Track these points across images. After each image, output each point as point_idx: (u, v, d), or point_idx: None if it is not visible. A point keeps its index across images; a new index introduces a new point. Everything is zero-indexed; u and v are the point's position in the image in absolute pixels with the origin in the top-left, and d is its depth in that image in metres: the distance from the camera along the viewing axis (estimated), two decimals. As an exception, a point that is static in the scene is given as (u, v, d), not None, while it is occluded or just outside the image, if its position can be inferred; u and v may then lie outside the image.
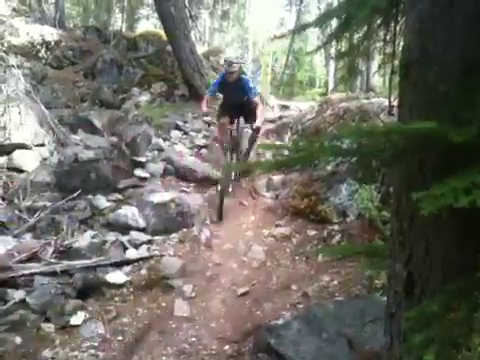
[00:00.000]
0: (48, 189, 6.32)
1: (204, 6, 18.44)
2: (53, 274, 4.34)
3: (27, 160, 6.82)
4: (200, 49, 13.09)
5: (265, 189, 6.64)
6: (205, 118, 7.33)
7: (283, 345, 3.16)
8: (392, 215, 1.90)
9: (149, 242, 5.25)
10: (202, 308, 4.18)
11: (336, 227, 5.05)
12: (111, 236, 5.23)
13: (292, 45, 21.07)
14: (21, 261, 4.50)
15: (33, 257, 4.61)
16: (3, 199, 5.99)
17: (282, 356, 3.10)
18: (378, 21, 2.38)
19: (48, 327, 3.77)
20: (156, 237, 5.39)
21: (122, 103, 10.92)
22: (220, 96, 6.65)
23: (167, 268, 4.67)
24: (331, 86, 18.95)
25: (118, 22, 18.90)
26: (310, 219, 5.39)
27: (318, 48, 3.28)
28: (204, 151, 8.16)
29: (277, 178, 6.63)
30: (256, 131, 6.13)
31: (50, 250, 4.73)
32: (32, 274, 4.29)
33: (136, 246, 5.13)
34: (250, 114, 6.03)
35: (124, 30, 16.65)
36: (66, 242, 4.91)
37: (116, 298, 4.29)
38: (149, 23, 20.75)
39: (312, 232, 5.19)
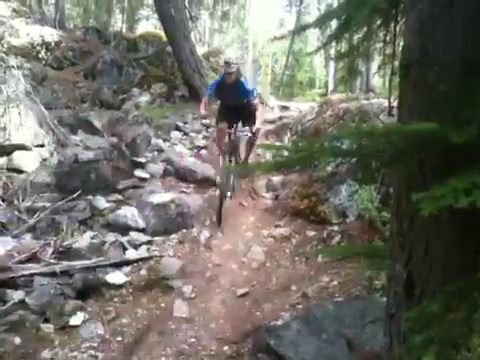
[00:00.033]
0: (48, 190, 6.32)
1: (204, 7, 18.46)
2: (53, 275, 4.34)
3: (27, 161, 6.82)
4: (200, 50, 13.11)
5: (265, 190, 6.64)
6: (203, 121, 7.23)
7: (283, 346, 3.15)
8: (392, 216, 1.90)
9: (149, 243, 5.25)
10: (201, 309, 4.18)
11: (336, 228, 5.05)
12: (111, 237, 5.23)
13: (292, 46, 21.09)
14: (21, 262, 4.50)
15: (33, 258, 4.60)
16: (3, 200, 5.99)
17: (282, 357, 3.10)
18: (378, 22, 2.38)
19: (47, 327, 3.77)
20: (156, 238, 5.39)
21: (122, 104, 10.92)
22: (217, 102, 6.56)
23: (167, 269, 4.67)
24: (331, 87, 18.96)
25: (118, 23, 18.91)
26: (310, 220, 5.39)
27: (318, 49, 3.28)
28: (204, 152, 8.16)
29: (277, 179, 6.63)
30: (255, 134, 6.00)
31: (50, 251, 4.73)
32: (32, 275, 4.29)
33: (136, 247, 5.13)
34: (249, 117, 5.93)
35: (124, 31, 16.66)
36: (66, 243, 4.91)
37: (115, 299, 4.29)
38: (149, 24, 20.77)
39: (312, 233, 5.19)
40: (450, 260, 1.60)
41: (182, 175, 7.01)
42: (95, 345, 3.66)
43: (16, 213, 5.69)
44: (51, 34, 12.58)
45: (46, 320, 3.87)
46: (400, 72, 1.78)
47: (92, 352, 3.57)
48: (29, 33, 11.95)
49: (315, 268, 4.50)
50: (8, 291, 4.06)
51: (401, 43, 1.96)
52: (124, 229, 5.41)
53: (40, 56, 11.79)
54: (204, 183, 6.80)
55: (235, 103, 6.00)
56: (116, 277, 4.49)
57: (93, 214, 5.76)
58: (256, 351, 3.34)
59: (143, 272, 4.68)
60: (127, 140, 7.37)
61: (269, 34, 22.58)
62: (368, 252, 2.74)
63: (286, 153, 2.07)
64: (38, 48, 11.89)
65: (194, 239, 5.39)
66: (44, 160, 7.07)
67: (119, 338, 3.78)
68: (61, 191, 6.18)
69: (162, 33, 12.78)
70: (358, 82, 14.56)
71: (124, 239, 5.18)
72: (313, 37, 21.57)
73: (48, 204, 5.85)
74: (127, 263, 4.81)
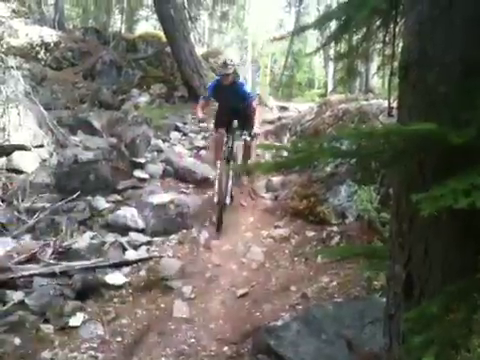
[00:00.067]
0: (47, 190, 6.32)
1: (203, 7, 18.43)
2: (52, 275, 4.34)
3: (26, 161, 6.82)
4: (199, 50, 13.11)
5: (264, 190, 6.64)
6: (201, 124, 7.03)
7: (282, 346, 3.16)
8: (391, 216, 1.91)
9: (148, 243, 5.26)
10: (201, 309, 4.18)
11: (335, 228, 5.05)
12: (110, 237, 5.23)
13: (291, 46, 21.14)
14: (20, 262, 4.50)
15: (32, 258, 4.61)
16: (2, 200, 5.99)
17: (281, 357, 3.10)
18: (377, 23, 2.38)
19: (47, 328, 3.77)
20: (155, 238, 5.39)
21: (121, 104, 10.92)
22: (215, 103, 6.41)
23: (166, 269, 4.67)
24: (330, 87, 18.96)
25: (117, 23, 18.86)
26: (309, 220, 5.39)
27: (317, 49, 3.29)
28: (203, 152, 8.15)
29: (276, 179, 6.63)
30: (253, 138, 5.84)
31: (49, 251, 4.73)
32: (31, 275, 4.30)
33: (135, 247, 5.13)
34: (247, 120, 5.83)
35: (123, 31, 16.64)
36: (65, 243, 4.92)
37: (115, 299, 4.30)
38: (148, 24, 20.74)
39: (311, 233, 5.19)
40: (450, 261, 1.60)
41: (181, 175, 7.01)
42: (95, 346, 3.66)
43: (16, 214, 5.69)
44: (50, 34, 12.59)
45: (46, 321, 3.87)
46: (399, 73, 1.78)
47: (92, 353, 3.57)
48: (28, 33, 11.96)
49: (314, 269, 4.50)
50: (8, 292, 4.06)
51: (400, 44, 1.96)
52: (123, 230, 5.41)
53: (39, 56, 11.80)
54: (203, 183, 6.79)
55: (233, 106, 5.90)
56: (116, 278, 4.49)
57: (92, 215, 5.76)
58: (256, 352, 3.35)
59: (143, 273, 4.68)
60: (126, 141, 7.37)
61: (268, 35, 22.59)
62: (367, 253, 2.74)
63: (285, 153, 2.07)
64: (37, 48, 11.90)
65: (194, 240, 5.40)
66: (43, 161, 7.08)
67: (119, 338, 3.78)
68: (60, 192, 6.19)
69: (161, 34, 12.79)
70: (357, 83, 14.56)
71: (124, 240, 5.18)
72: (312, 38, 21.55)
73: (47, 205, 5.85)
74: (127, 264, 4.81)
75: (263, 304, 4.08)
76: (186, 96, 11.76)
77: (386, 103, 2.49)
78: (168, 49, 12.32)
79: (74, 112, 9.42)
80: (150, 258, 4.92)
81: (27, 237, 5.25)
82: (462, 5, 1.52)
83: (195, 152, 8.23)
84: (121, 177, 6.59)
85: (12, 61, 7.93)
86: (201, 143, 8.62)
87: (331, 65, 18.94)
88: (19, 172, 6.65)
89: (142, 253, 5.03)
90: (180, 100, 11.83)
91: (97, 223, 5.62)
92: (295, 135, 7.98)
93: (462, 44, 1.52)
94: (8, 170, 6.63)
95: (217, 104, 6.41)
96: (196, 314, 4.10)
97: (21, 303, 3.97)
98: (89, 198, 5.99)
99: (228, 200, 5.67)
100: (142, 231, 5.46)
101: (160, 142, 8.24)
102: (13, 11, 11.86)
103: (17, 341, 3.56)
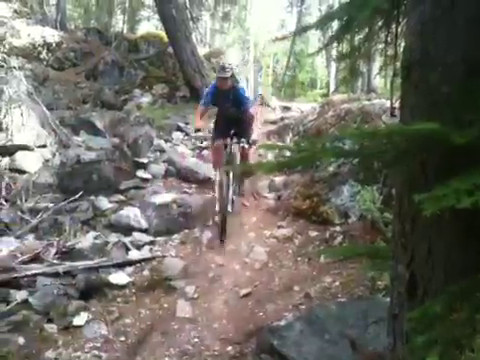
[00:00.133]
0: (50, 190, 6.34)
1: (205, 8, 18.42)
2: (56, 275, 4.36)
3: (29, 161, 6.83)
4: (201, 51, 13.10)
5: (267, 190, 6.64)
6: (198, 134, 6.67)
7: (286, 346, 3.16)
8: (394, 216, 1.91)
9: (151, 243, 5.27)
10: (204, 309, 4.19)
11: (338, 228, 5.05)
12: (113, 237, 5.25)
13: (293, 47, 21.10)
14: (24, 262, 4.52)
15: (36, 258, 4.62)
16: (6, 200, 6.01)
17: (285, 357, 3.11)
18: (379, 23, 2.39)
19: (51, 328, 3.79)
20: (158, 238, 5.40)
21: (124, 104, 10.94)
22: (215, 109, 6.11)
23: (169, 269, 4.69)
24: (332, 87, 18.97)
25: (119, 24, 18.88)
26: (312, 220, 5.40)
27: (319, 50, 3.30)
28: (205, 152, 8.16)
29: (279, 179, 6.64)
30: (252, 145, 5.65)
31: (53, 251, 4.75)
32: (35, 275, 4.31)
33: (138, 247, 5.15)
34: (246, 128, 5.66)
35: (125, 32, 16.64)
36: (68, 243, 4.93)
37: (119, 299, 4.31)
38: (150, 25, 20.74)
39: (314, 233, 5.20)
40: (452, 260, 1.60)
41: (184, 175, 7.02)
42: (98, 345, 3.68)
43: (19, 214, 5.71)
44: (52, 35, 12.59)
45: (49, 320, 3.89)
46: (402, 73, 1.79)
47: (96, 352, 3.59)
48: (30, 34, 11.95)
49: (317, 268, 4.50)
50: (11, 291, 4.08)
51: (402, 44, 1.96)
52: (127, 229, 5.43)
53: (41, 57, 11.80)
54: (206, 183, 6.80)
55: (231, 112, 5.67)
56: (119, 277, 4.51)
57: (95, 214, 5.78)
58: (259, 351, 3.35)
59: (146, 272, 4.70)
60: (129, 141, 7.39)
61: (270, 35, 22.55)
62: (370, 253, 2.74)
63: (288, 153, 2.08)
64: (39, 49, 11.90)
65: (196, 239, 5.41)
66: (46, 161, 7.08)
67: (122, 338, 3.80)
68: (63, 192, 6.21)
69: (163, 34, 12.78)
70: (359, 83, 14.55)
71: (127, 239, 5.20)
72: (314, 38, 21.58)
73: (51, 205, 5.87)
74: (130, 263, 4.83)
75: (266, 304, 4.09)
76: (188, 96, 11.76)
77: (388, 103, 2.50)
78: (170, 49, 12.33)
79: (76, 112, 9.44)
80: (153, 258, 4.93)
81: (30, 237, 5.28)
82: (464, 5, 1.52)
83: (197, 152, 8.24)
84: (124, 177, 6.61)
85: (14, 61, 7.95)
86: (203, 143, 8.62)
87: (333, 65, 18.96)
88: (22, 172, 6.66)
89: (145, 253, 5.05)
90: (182, 100, 11.83)
91: (100, 223, 5.64)
92: (298, 135, 7.98)
93: (464, 44, 1.52)
94: (11, 170, 6.64)
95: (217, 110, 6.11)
96: (199, 314, 4.11)
97: (25, 303, 3.98)
98: (92, 198, 6.01)
99: (230, 208, 5.49)
100: (145, 231, 5.48)
101: (162, 142, 8.25)
102: (15, 11, 11.91)
103: (21, 340, 3.57)
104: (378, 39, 2.52)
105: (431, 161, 1.60)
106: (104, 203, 5.95)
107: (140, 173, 6.88)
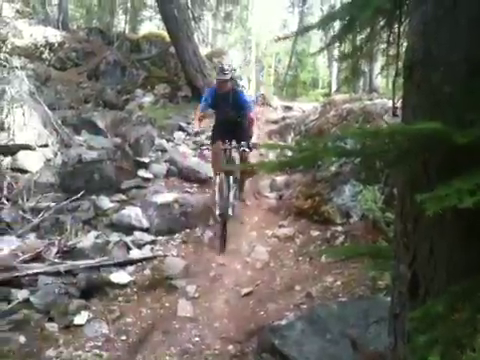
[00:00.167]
0: (52, 190, 6.36)
1: (207, 8, 18.46)
2: (57, 274, 4.37)
3: (31, 161, 6.85)
4: (203, 51, 13.10)
5: (268, 190, 6.64)
6: (196, 138, 6.48)
7: (287, 345, 3.16)
8: (396, 216, 1.90)
9: (152, 242, 5.28)
10: (205, 308, 4.19)
11: (339, 228, 5.05)
12: (115, 236, 5.25)
13: (295, 46, 21.15)
14: (25, 261, 4.53)
15: (37, 257, 4.63)
16: (7, 199, 6.02)
17: (286, 356, 3.11)
18: (381, 23, 2.38)
19: (52, 327, 3.79)
20: (159, 237, 5.41)
21: (125, 104, 10.96)
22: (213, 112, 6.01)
23: (170, 268, 4.69)
24: (334, 87, 18.96)
25: (121, 24, 18.89)
26: (313, 220, 5.39)
27: (321, 49, 3.30)
28: (207, 152, 8.15)
29: (280, 179, 6.64)
30: (252, 148, 5.51)
31: (54, 250, 4.76)
32: (36, 274, 4.32)
33: (139, 246, 5.15)
34: (246, 132, 5.55)
35: (127, 32, 16.65)
36: (70, 242, 4.94)
37: (120, 298, 4.31)
38: (152, 25, 20.76)
39: (315, 233, 5.20)
40: (455, 260, 1.60)
41: (185, 175, 7.03)
42: (99, 344, 3.68)
43: (20, 213, 5.73)
44: (54, 35, 12.63)
45: (50, 319, 3.89)
46: (404, 73, 1.78)
47: (96, 351, 3.59)
48: (32, 34, 11.99)
49: (319, 268, 4.50)
50: (13, 290, 4.09)
51: (405, 44, 1.96)
52: (128, 229, 5.43)
53: (43, 57, 11.83)
54: (207, 183, 6.80)
55: (231, 115, 5.55)
56: (120, 276, 4.51)
57: (97, 214, 5.79)
58: (260, 351, 3.35)
59: (147, 272, 4.70)
60: (130, 140, 7.40)
61: (272, 35, 22.55)
62: (372, 252, 2.74)
63: (290, 153, 2.08)
64: (41, 49, 11.93)
65: (198, 239, 5.41)
66: (48, 160, 7.10)
67: (123, 337, 3.80)
68: (65, 191, 6.23)
69: (165, 34, 12.79)
70: (361, 83, 14.54)
71: (128, 239, 5.20)
72: (316, 38, 21.60)
73: (52, 204, 5.88)
74: (131, 263, 4.83)
75: (267, 303, 4.09)
76: (190, 96, 11.76)
77: (390, 103, 2.50)
78: (172, 49, 12.33)
79: (78, 112, 9.46)
80: (154, 257, 4.94)
81: (32, 236, 5.29)
82: (467, 5, 1.52)
83: (199, 152, 8.23)
84: (125, 177, 6.62)
85: (17, 61, 7.96)
86: (205, 143, 8.62)
87: (335, 65, 18.96)
88: (24, 171, 6.69)
89: (146, 252, 5.05)
90: (184, 100, 11.84)
91: (101, 222, 5.65)
92: (299, 135, 7.98)
93: (467, 44, 1.52)
94: (13, 169, 6.66)
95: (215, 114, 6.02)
96: (200, 313, 4.12)
97: (26, 301, 3.99)
98: (93, 197, 6.02)
99: (231, 212, 5.34)
100: (146, 230, 5.49)
101: (164, 142, 8.26)
102: (17, 11, 11.92)
103: (22, 339, 3.58)
104: (380, 39, 2.51)
105: (433, 161, 1.59)
106: (105, 202, 5.96)
107: (141, 173, 6.88)
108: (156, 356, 3.56)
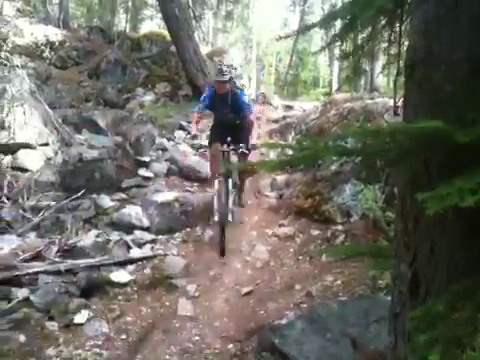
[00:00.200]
0: (52, 188, 6.35)
1: (208, 7, 18.44)
2: (57, 273, 4.37)
3: (31, 160, 6.85)
4: (204, 49, 13.11)
5: (269, 189, 6.64)
6: (194, 141, 6.34)
7: (287, 344, 3.16)
8: (397, 216, 1.90)
9: (153, 241, 5.28)
10: (206, 307, 4.19)
11: (340, 227, 5.05)
12: (115, 235, 5.25)
13: (296, 45, 21.15)
14: (25, 260, 4.53)
15: (37, 256, 4.63)
16: (8, 198, 6.02)
17: (286, 355, 3.11)
18: (383, 22, 2.38)
19: (52, 325, 3.79)
20: (160, 236, 5.41)
21: (126, 103, 10.96)
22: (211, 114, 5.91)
23: (171, 267, 4.69)
24: (335, 86, 18.96)
25: (122, 22, 18.89)
26: (314, 219, 5.39)
27: (322, 48, 3.28)
28: (207, 152, 8.15)
29: (281, 178, 6.64)
30: (250, 150, 5.36)
31: (54, 249, 4.76)
32: (36, 273, 4.32)
33: (140, 245, 5.15)
34: (245, 135, 5.40)
35: (128, 30, 16.66)
36: (70, 241, 4.94)
37: (120, 297, 4.31)
38: (153, 23, 20.80)
39: (316, 232, 5.19)
40: (455, 259, 1.60)
41: (186, 174, 7.03)
42: (100, 343, 3.68)
43: (21, 212, 5.73)
44: (55, 33, 12.63)
45: (51, 318, 3.89)
46: (405, 72, 1.78)
47: (97, 350, 3.58)
48: (33, 32, 11.98)
49: (319, 267, 4.50)
50: (13, 289, 4.09)
51: (406, 43, 1.96)
52: (128, 228, 5.43)
53: (44, 55, 11.82)
54: (208, 182, 6.79)
55: (229, 117, 5.44)
56: (120, 275, 4.51)
57: (97, 213, 5.79)
58: (260, 350, 3.35)
59: (147, 271, 4.70)
60: (131, 139, 7.40)
61: (273, 33, 22.57)
62: (372, 252, 2.73)
63: (290, 152, 2.08)
64: (42, 47, 11.92)
65: (198, 238, 5.41)
66: (49, 159, 7.10)
67: (123, 336, 3.80)
68: (65, 190, 6.23)
69: (166, 33, 12.80)
70: (362, 81, 14.54)
71: (128, 238, 5.20)
72: (317, 36, 21.61)
73: (53, 203, 5.88)
74: (131, 262, 4.83)
75: (267, 302, 4.09)
76: (190, 95, 11.77)
77: (391, 102, 2.49)
78: (173, 48, 12.34)
79: (79, 111, 9.45)
80: (155, 256, 4.94)
81: (32, 235, 5.29)
82: (468, 4, 1.51)
83: (199, 151, 8.22)
84: (126, 175, 6.62)
85: (17, 60, 7.95)
86: (205, 142, 8.61)
87: (336, 64, 18.96)
88: (24, 170, 6.68)
89: (147, 251, 5.05)
90: (184, 99, 11.85)
91: (102, 221, 5.65)
92: (300, 134, 7.98)
93: (468, 43, 1.52)
94: (13, 168, 6.65)
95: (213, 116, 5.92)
96: (200, 312, 4.12)
97: (26, 300, 3.99)
98: (94, 196, 6.03)
99: (230, 217, 5.18)
100: (147, 229, 5.48)
101: (165, 141, 8.26)
102: (18, 10, 11.90)
103: (22, 338, 3.57)
104: (381, 38, 2.51)
105: (434, 160, 1.59)
106: (106, 201, 5.96)
107: (142, 171, 6.89)
108: (156, 355, 3.56)
